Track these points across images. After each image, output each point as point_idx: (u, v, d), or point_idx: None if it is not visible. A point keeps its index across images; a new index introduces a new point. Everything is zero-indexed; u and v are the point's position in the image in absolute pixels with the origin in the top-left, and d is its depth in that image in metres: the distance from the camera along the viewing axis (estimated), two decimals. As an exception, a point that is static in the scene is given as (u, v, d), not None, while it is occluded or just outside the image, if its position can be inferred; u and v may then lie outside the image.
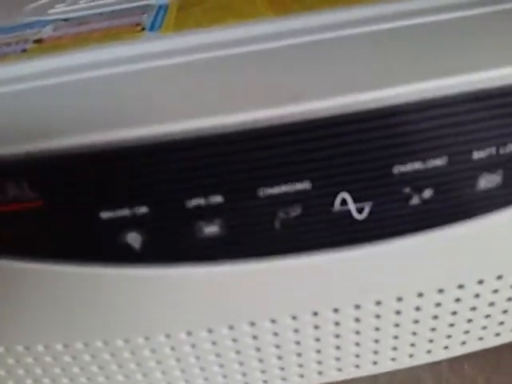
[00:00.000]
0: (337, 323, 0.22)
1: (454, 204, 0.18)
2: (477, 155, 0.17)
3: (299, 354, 0.23)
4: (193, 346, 0.22)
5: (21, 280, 0.19)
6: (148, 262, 0.19)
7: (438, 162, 0.17)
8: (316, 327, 0.22)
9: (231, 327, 0.21)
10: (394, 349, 0.24)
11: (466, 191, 0.18)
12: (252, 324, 0.21)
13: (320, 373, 0.24)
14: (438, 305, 0.22)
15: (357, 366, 0.24)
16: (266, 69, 0.18)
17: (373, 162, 0.17)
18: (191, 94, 0.17)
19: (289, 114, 0.16)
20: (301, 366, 0.24)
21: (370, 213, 0.18)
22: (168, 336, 0.22)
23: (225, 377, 0.24)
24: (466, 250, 0.20)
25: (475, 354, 0.26)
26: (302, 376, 0.24)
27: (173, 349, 0.22)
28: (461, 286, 0.21)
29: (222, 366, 0.23)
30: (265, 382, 0.24)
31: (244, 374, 0.24)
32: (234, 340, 0.22)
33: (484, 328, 0.24)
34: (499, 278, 0.21)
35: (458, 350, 0.25)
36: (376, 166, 0.17)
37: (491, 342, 0.25)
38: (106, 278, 0.19)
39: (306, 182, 0.17)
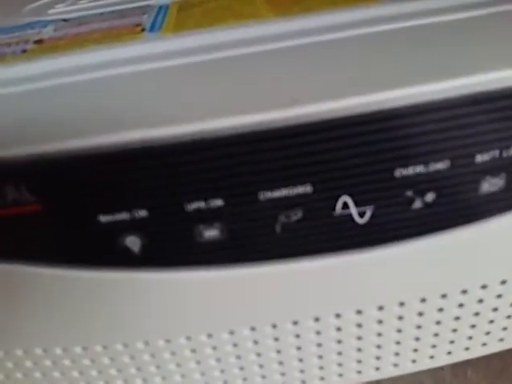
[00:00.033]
0: (338, 329, 0.22)
1: (456, 208, 0.18)
2: (480, 158, 0.17)
3: (300, 360, 0.23)
4: (193, 350, 0.22)
5: (19, 283, 0.19)
6: (147, 266, 0.18)
7: (441, 165, 0.17)
8: (317, 333, 0.22)
9: (231, 332, 0.21)
10: (397, 354, 0.23)
11: (468, 195, 0.18)
12: (253, 329, 0.21)
13: (322, 378, 0.24)
14: (441, 310, 0.22)
15: (359, 372, 0.24)
16: (266, 71, 0.18)
17: (374, 165, 0.17)
18: (191, 97, 0.17)
19: (289, 117, 0.16)
20: (302, 371, 0.24)
21: (372, 217, 0.18)
22: (168, 341, 0.21)
23: (225, 382, 0.24)
24: (469, 255, 0.20)
25: (478, 360, 0.25)
26: (303, 382, 0.24)
27: (173, 354, 0.22)
28: (464, 291, 0.21)
29: (222, 371, 0.23)
30: (265, 387, 0.24)
31: (244, 379, 0.24)
32: (235, 345, 0.22)
33: (487, 333, 0.23)
34: (503, 282, 0.21)
35: (461, 356, 0.24)
36: (378, 170, 0.17)
37: (495, 347, 0.24)
38: (104, 281, 0.19)
39: (307, 186, 0.17)
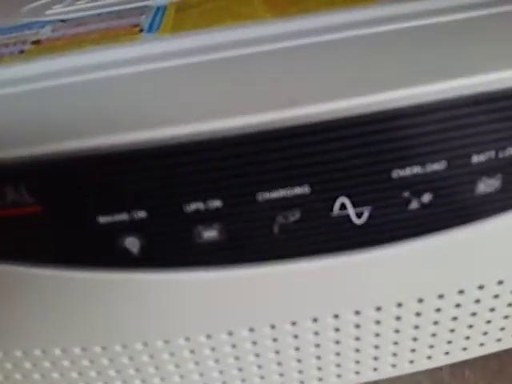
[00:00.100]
0: (337, 329, 0.22)
1: (453, 208, 0.18)
2: (476, 159, 0.17)
3: (299, 360, 0.23)
4: (191, 351, 0.22)
5: (18, 284, 0.19)
6: (146, 267, 0.18)
7: (437, 166, 0.17)
8: (316, 333, 0.22)
9: (230, 333, 0.21)
10: (395, 355, 0.23)
11: (465, 196, 0.18)
12: (251, 330, 0.21)
13: (320, 379, 0.24)
14: (439, 310, 0.22)
15: (357, 373, 0.24)
16: (264, 71, 0.18)
17: (372, 166, 0.17)
18: (189, 98, 0.17)
19: (287, 118, 0.16)
20: (300, 372, 0.24)
21: (369, 217, 0.18)
22: (166, 341, 0.21)
23: (224, 383, 0.24)
24: (466, 255, 0.20)
25: (476, 360, 0.25)
26: (302, 382, 0.24)
27: (171, 354, 0.22)
28: (461, 292, 0.21)
29: (221, 371, 0.23)
30: (264, 387, 0.24)
31: (243, 380, 0.24)
32: (233, 346, 0.22)
33: (485, 334, 0.23)
34: (500, 283, 0.21)
35: (458, 356, 0.24)
36: (375, 171, 0.17)
37: (492, 347, 0.24)
38: (104, 282, 0.19)
39: (305, 187, 0.17)
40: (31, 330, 0.20)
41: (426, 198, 0.18)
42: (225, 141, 0.16)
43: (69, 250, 0.18)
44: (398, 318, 0.22)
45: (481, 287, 0.21)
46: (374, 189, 0.17)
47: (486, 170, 0.17)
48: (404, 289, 0.21)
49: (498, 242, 0.20)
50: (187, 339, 0.21)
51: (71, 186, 0.16)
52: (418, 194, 0.18)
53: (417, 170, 0.17)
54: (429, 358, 0.24)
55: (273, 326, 0.21)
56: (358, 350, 0.23)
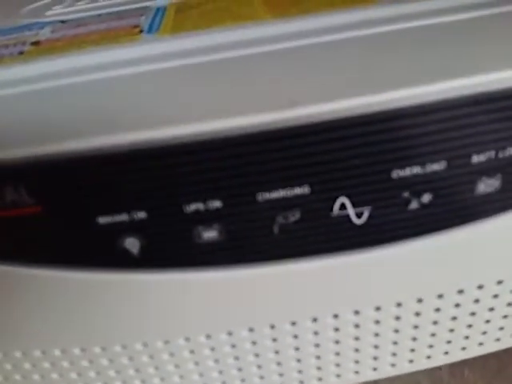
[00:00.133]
0: (336, 329, 0.22)
1: (452, 208, 0.18)
2: (476, 159, 0.17)
3: (298, 360, 0.23)
4: (191, 351, 0.22)
5: (18, 285, 0.19)
6: (146, 268, 0.18)
7: (437, 166, 0.17)
8: (315, 333, 0.22)
9: (230, 333, 0.21)
10: (394, 354, 0.23)
11: (464, 196, 0.18)
12: (251, 330, 0.21)
13: (319, 379, 0.24)
14: (438, 310, 0.22)
15: (356, 372, 0.24)
16: (264, 72, 0.18)
17: (372, 166, 0.17)
18: (189, 98, 0.17)
19: (287, 119, 0.16)
20: (300, 372, 0.24)
21: (369, 217, 0.18)
22: (166, 342, 0.21)
23: (223, 383, 0.24)
24: (466, 255, 0.20)
25: (476, 360, 0.25)
26: (301, 382, 0.24)
27: (171, 355, 0.22)
28: (460, 291, 0.21)
29: (220, 371, 0.23)
30: (263, 387, 0.24)
31: (243, 380, 0.24)
32: (233, 346, 0.22)
33: (484, 333, 0.23)
34: (499, 282, 0.21)
35: (458, 356, 0.24)
36: (375, 171, 0.17)
37: (491, 347, 0.24)
38: (103, 283, 0.19)
39: (305, 187, 0.17)
40: (31, 331, 0.20)
41: (426, 198, 0.18)
42: (225, 141, 0.16)
43: (68, 251, 0.18)
44: (398, 318, 0.22)
45: (480, 287, 0.21)
46: (374, 189, 0.17)
47: (486, 170, 0.17)
48: (403, 289, 0.21)
49: (498, 242, 0.20)
50: (187, 339, 0.21)
51: (71, 186, 0.16)
52: (417, 194, 0.18)
53: (417, 170, 0.17)
54: (428, 357, 0.24)
55: (272, 326, 0.21)
56: (357, 350, 0.23)
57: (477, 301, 0.22)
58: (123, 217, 0.17)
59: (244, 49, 0.19)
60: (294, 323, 0.21)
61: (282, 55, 0.19)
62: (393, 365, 0.24)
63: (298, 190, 0.17)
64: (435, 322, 0.22)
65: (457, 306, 0.22)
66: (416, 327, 0.22)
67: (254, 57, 0.19)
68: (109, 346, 0.21)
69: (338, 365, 0.24)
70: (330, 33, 0.20)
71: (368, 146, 0.16)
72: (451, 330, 0.23)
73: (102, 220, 0.17)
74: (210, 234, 0.18)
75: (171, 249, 0.18)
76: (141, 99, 0.18)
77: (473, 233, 0.19)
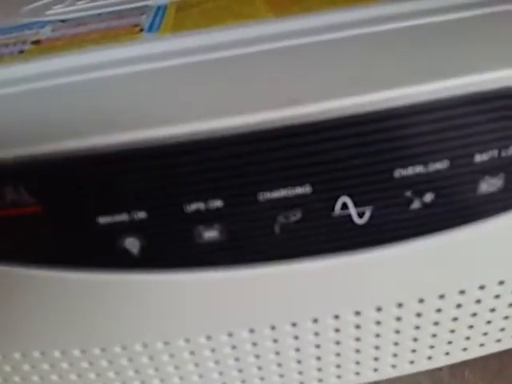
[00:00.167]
0: (337, 330, 0.22)
1: (455, 208, 0.18)
2: (478, 158, 0.17)
3: (299, 361, 0.23)
4: (191, 352, 0.22)
5: (17, 285, 0.19)
6: (146, 268, 0.18)
7: (440, 165, 0.17)
8: (316, 334, 0.22)
9: (230, 334, 0.21)
10: (395, 355, 0.23)
11: (467, 195, 0.18)
12: (251, 331, 0.21)
13: (320, 380, 0.24)
14: (439, 311, 0.22)
15: (357, 373, 0.24)
16: (264, 71, 0.18)
17: (374, 165, 0.17)
18: (189, 97, 0.17)
19: (288, 117, 0.16)
20: (300, 373, 0.24)
21: (371, 217, 0.18)
22: (166, 343, 0.21)
23: (224, 384, 0.24)
24: (468, 255, 0.20)
25: (476, 360, 0.25)
26: (301, 383, 0.24)
27: (171, 356, 0.22)
28: (462, 292, 0.21)
29: (220, 373, 0.23)
30: (264, 388, 0.24)
31: (243, 381, 0.24)
32: (233, 347, 0.22)
33: (485, 334, 0.23)
34: (501, 283, 0.21)
35: (459, 357, 0.24)
36: (377, 170, 0.17)
37: (492, 348, 0.24)
38: (103, 283, 0.19)
39: (306, 186, 0.17)
40: (30, 332, 0.20)
41: (428, 197, 0.18)
42: (226, 140, 0.16)
43: (68, 251, 0.18)
44: (399, 319, 0.22)
45: (482, 287, 0.21)
46: (376, 188, 0.17)
47: (489, 170, 0.17)
48: (405, 289, 0.21)
49: (500, 242, 0.20)
50: (187, 340, 0.21)
51: (71, 186, 0.16)
52: (419, 194, 0.18)
53: (419, 169, 0.17)
54: (429, 358, 0.24)
55: (273, 327, 0.21)
56: (358, 351, 0.23)
57: (478, 301, 0.22)
58: (123, 217, 0.17)
59: (244, 47, 0.19)
60: (294, 324, 0.21)
61: (283, 54, 0.19)
62: (393, 366, 0.24)
63: (299, 190, 0.17)
64: (436, 323, 0.22)
65: (458, 306, 0.22)
66: (417, 328, 0.22)
67: (255, 55, 0.19)
68: (108, 347, 0.21)
69: (338, 366, 0.23)
70: (331, 31, 0.20)
71: (370, 145, 0.16)
72: (452, 331, 0.23)
73: (102, 220, 0.17)
74: (210, 234, 0.18)
75: (171, 249, 0.18)
76: (141, 98, 0.17)
77: (475, 233, 0.19)
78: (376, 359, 0.23)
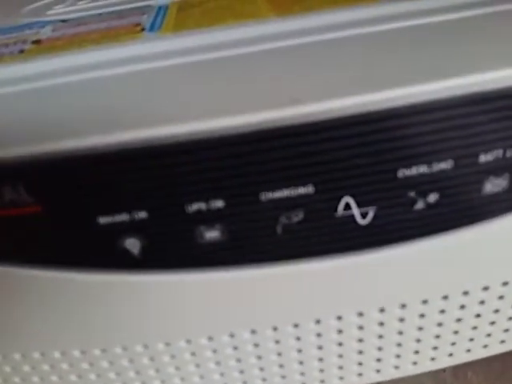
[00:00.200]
0: (340, 331, 0.22)
1: (459, 208, 0.18)
2: (483, 158, 0.17)
3: (301, 362, 0.23)
4: (192, 353, 0.22)
5: (17, 286, 0.18)
6: (147, 268, 0.18)
7: (444, 165, 0.17)
8: (318, 335, 0.22)
9: (232, 335, 0.21)
10: (398, 356, 0.23)
11: (471, 195, 0.18)
12: (253, 332, 0.21)
13: (322, 381, 0.24)
14: (443, 312, 0.22)
15: (360, 375, 0.24)
16: (266, 70, 0.18)
17: (377, 165, 0.17)
18: (191, 96, 0.17)
19: (290, 117, 0.16)
20: (302, 374, 0.23)
21: (374, 218, 0.18)
22: (167, 344, 0.21)
23: (225, 385, 0.23)
24: (472, 256, 0.20)
25: (479, 362, 0.25)
26: (303, 384, 0.24)
27: (172, 357, 0.22)
28: (466, 293, 0.21)
29: (222, 374, 0.23)
30: (266, 390, 0.24)
31: (244, 383, 0.23)
32: (235, 348, 0.22)
33: (489, 335, 0.23)
34: (505, 284, 0.21)
35: (462, 358, 0.24)
36: (380, 170, 0.17)
37: (496, 349, 0.24)
38: (104, 284, 0.18)
39: (309, 186, 0.17)
40: (29, 332, 0.20)
41: (432, 197, 0.18)
42: (227, 140, 0.16)
43: (68, 251, 0.18)
44: (402, 320, 0.22)
45: (486, 288, 0.21)
46: (380, 188, 0.17)
47: (494, 170, 0.17)
48: (408, 290, 0.21)
49: (504, 243, 0.20)
50: (188, 341, 0.21)
51: (71, 185, 0.16)
52: (423, 194, 0.17)
53: (423, 169, 0.17)
54: (432, 359, 0.24)
55: (275, 328, 0.21)
56: (360, 352, 0.23)
57: (482, 302, 0.22)
58: (124, 217, 0.17)
59: (246, 47, 0.19)
60: (296, 325, 0.21)
61: (285, 53, 0.19)
62: (396, 367, 0.24)
63: (301, 190, 0.17)
64: (440, 324, 0.22)
65: (462, 307, 0.22)
66: (420, 329, 0.22)
67: (256, 55, 0.19)
68: (109, 348, 0.21)
69: (340, 367, 0.23)
70: (332, 31, 0.20)
71: (373, 145, 0.16)
72: (456, 332, 0.23)
73: (103, 220, 0.17)
74: (212, 235, 0.17)
75: (172, 249, 0.18)
76: (142, 98, 0.17)
77: (479, 233, 0.19)
78: (379, 360, 0.23)
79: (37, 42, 0.22)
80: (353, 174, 0.17)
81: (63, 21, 0.25)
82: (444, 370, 0.27)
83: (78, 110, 0.17)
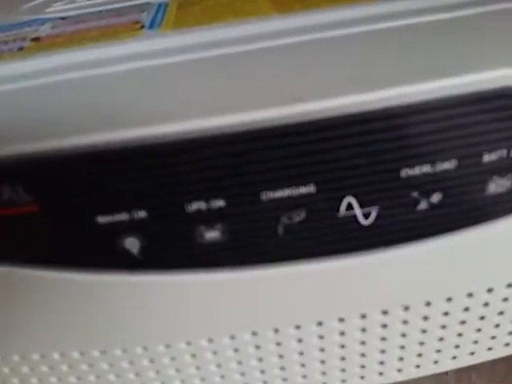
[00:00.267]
0: (342, 333, 0.21)
1: (462, 209, 0.18)
2: (487, 158, 0.17)
3: (303, 365, 0.23)
4: (193, 355, 0.22)
5: (15, 286, 0.18)
6: (147, 269, 0.18)
7: (447, 165, 0.17)
8: (320, 337, 0.21)
9: (233, 337, 0.21)
10: (401, 359, 0.23)
11: (475, 196, 0.18)
12: (254, 334, 0.21)
13: (324, 384, 0.24)
14: (446, 314, 0.21)
15: (362, 377, 0.24)
16: (267, 68, 0.18)
17: (380, 165, 0.17)
18: (191, 94, 0.17)
19: (292, 115, 0.15)
20: (304, 376, 0.23)
21: (377, 218, 0.18)
22: (167, 346, 0.21)
23: (225, 387, 0.23)
24: (476, 257, 0.20)
25: (483, 365, 0.25)
26: (305, 387, 0.24)
27: (172, 359, 0.22)
28: (470, 295, 0.21)
29: (222, 376, 0.23)
30: (266, 392, 0.24)
31: (245, 385, 0.23)
32: (236, 350, 0.22)
33: (493, 338, 0.23)
34: (509, 286, 0.21)
35: (466, 361, 0.24)
36: (383, 170, 0.17)
37: (500, 352, 0.24)
38: (103, 284, 0.18)
39: (311, 186, 0.17)
40: (28, 333, 0.20)
41: (436, 198, 0.17)
42: (228, 138, 0.16)
43: (67, 251, 0.18)
44: (405, 322, 0.21)
45: (490, 290, 0.21)
46: (382, 188, 0.17)
47: (498, 170, 0.17)
48: (411, 291, 0.20)
49: (508, 244, 0.19)
50: (188, 343, 0.21)
51: (70, 184, 0.16)
52: (427, 194, 0.17)
53: (426, 169, 0.17)
54: (435, 362, 0.24)
55: (276, 330, 0.21)
56: (363, 355, 0.23)
57: (486, 304, 0.21)
58: (123, 216, 0.17)
59: (246, 44, 0.19)
60: (298, 327, 0.21)
61: (285, 51, 0.19)
62: (399, 370, 0.24)
63: (303, 190, 0.17)
64: (443, 326, 0.22)
65: (466, 309, 0.21)
66: (424, 331, 0.22)
67: (257, 52, 0.19)
68: (108, 350, 0.21)
69: (343, 370, 0.23)
70: (333, 29, 0.19)
71: (376, 144, 0.16)
72: (459, 335, 0.22)
73: (102, 219, 0.17)
74: (212, 235, 0.17)
75: (172, 249, 0.18)
76: (142, 95, 0.17)
77: (483, 234, 0.19)
78: (381, 363, 0.23)
79: (36, 39, 0.22)
80: (355, 173, 0.17)
81: (62, 18, 0.25)
82: (447, 372, 0.27)
83: (77, 107, 0.17)
